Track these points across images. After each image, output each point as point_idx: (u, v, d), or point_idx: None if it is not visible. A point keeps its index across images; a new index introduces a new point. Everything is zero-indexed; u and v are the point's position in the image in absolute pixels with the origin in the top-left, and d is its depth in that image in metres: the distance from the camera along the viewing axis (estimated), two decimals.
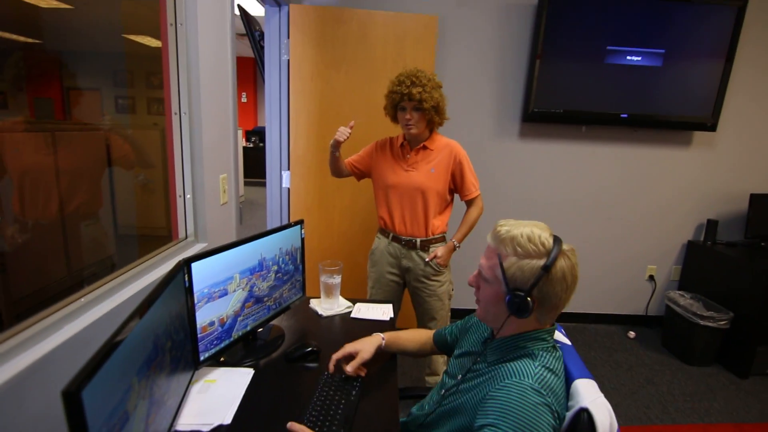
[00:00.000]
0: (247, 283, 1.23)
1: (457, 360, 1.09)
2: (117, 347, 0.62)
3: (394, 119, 1.92)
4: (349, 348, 1.18)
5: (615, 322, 3.19)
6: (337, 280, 1.58)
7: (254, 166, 7.62)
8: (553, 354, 0.90)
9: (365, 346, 1.18)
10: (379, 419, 1.01)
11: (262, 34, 2.60)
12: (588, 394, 0.85)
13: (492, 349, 0.95)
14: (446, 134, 2.80)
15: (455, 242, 1.92)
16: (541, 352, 0.88)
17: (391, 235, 1.96)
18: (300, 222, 1.46)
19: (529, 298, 0.83)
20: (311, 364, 1.23)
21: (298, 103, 2.55)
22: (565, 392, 0.88)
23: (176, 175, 1.43)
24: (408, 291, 2.08)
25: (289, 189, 2.68)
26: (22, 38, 2.11)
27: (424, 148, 1.88)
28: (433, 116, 1.79)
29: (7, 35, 1.97)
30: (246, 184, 7.66)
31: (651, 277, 3.13)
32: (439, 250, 1.90)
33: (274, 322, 1.47)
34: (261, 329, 1.40)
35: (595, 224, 3.02)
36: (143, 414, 0.72)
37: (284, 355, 1.27)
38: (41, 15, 1.95)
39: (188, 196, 1.45)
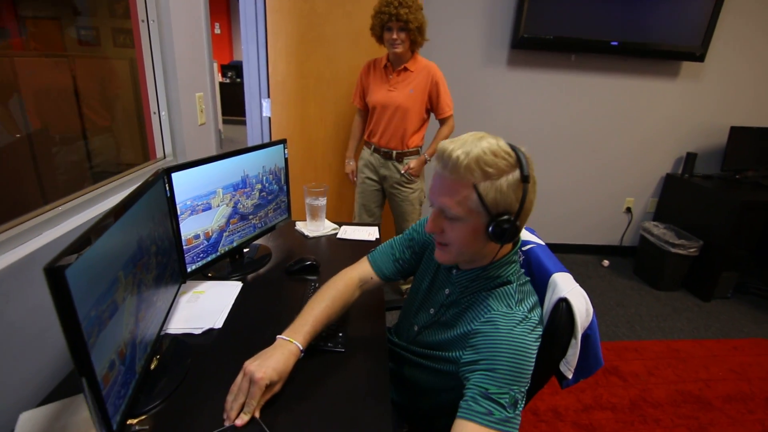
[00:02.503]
0: (230, 199, 1.21)
1: (423, 288, 0.99)
2: (100, 235, 0.61)
3: (380, 40, 2.03)
4: (266, 394, 0.79)
5: (591, 252, 3.32)
6: (322, 202, 1.57)
7: (232, 103, 7.28)
8: (518, 269, 0.88)
9: (281, 373, 0.80)
10: (368, 336, 1.02)
11: None
12: (565, 285, 0.87)
13: (463, 282, 0.88)
14: (434, 59, 2.72)
15: (426, 156, 2.17)
16: (514, 275, 0.86)
17: (373, 146, 2.20)
18: (282, 141, 1.42)
19: (518, 222, 0.75)
20: (311, 277, 1.26)
21: (276, 25, 2.39)
22: (544, 288, 0.92)
23: (149, 90, 1.35)
24: (386, 195, 2.34)
25: (270, 118, 2.59)
26: None
27: (405, 69, 2.04)
28: (416, 36, 1.94)
29: None
30: (224, 122, 7.37)
31: (628, 209, 3.22)
32: (412, 162, 2.15)
33: (260, 242, 1.47)
34: (248, 248, 1.40)
35: (579, 157, 3.04)
36: (132, 308, 0.72)
37: (285, 269, 1.28)
38: None
39: (163, 113, 1.38)
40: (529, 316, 0.80)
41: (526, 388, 0.74)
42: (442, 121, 2.16)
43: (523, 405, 0.73)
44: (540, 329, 0.80)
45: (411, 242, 1.04)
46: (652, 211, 3.23)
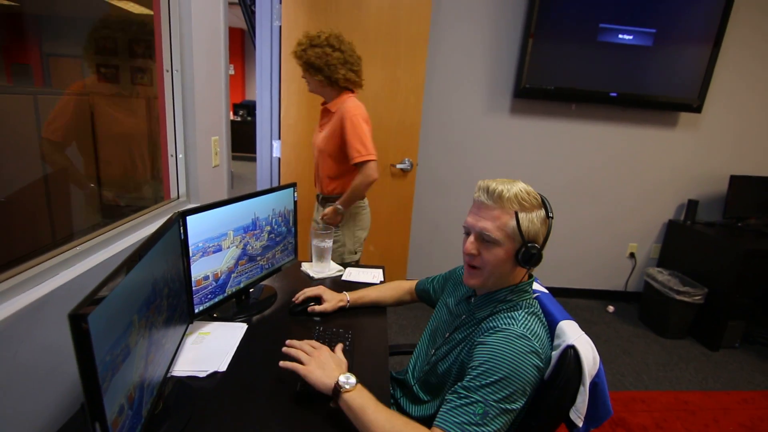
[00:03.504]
0: (240, 241, 1.25)
1: (441, 314, 1.13)
2: (121, 280, 0.64)
3: None
4: (318, 291, 1.31)
5: (595, 297, 3.30)
6: (328, 243, 1.60)
7: (242, 140, 7.49)
8: (532, 302, 0.95)
9: (332, 301, 1.29)
10: (371, 371, 1.04)
11: (254, 0, 2.54)
12: (572, 332, 0.90)
13: (478, 304, 0.99)
14: (441, 106, 2.82)
15: (338, 205, 1.87)
16: (525, 302, 0.94)
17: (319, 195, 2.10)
18: (293, 185, 1.47)
19: (537, 247, 0.90)
20: (316, 318, 1.27)
21: (289, 70, 2.52)
22: (549, 334, 0.94)
23: (168, 134, 1.42)
24: None
25: (279, 159, 2.67)
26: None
27: (327, 110, 1.92)
28: (313, 73, 1.78)
29: None
30: (234, 158, 7.54)
31: (632, 255, 3.22)
32: (328, 209, 1.89)
33: (265, 282, 1.49)
34: (253, 289, 1.42)
35: (581, 203, 3.09)
36: (143, 352, 0.74)
37: (288, 309, 1.30)
38: None
39: (180, 155, 1.45)
40: (530, 338, 0.84)
41: (509, 410, 0.78)
42: (357, 168, 1.81)
43: (499, 425, 0.77)
44: (537, 359, 0.83)
45: (445, 282, 1.24)
46: (656, 257, 3.24)
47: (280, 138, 2.63)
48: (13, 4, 1.95)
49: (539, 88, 2.73)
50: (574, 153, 2.98)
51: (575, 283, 3.26)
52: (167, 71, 1.37)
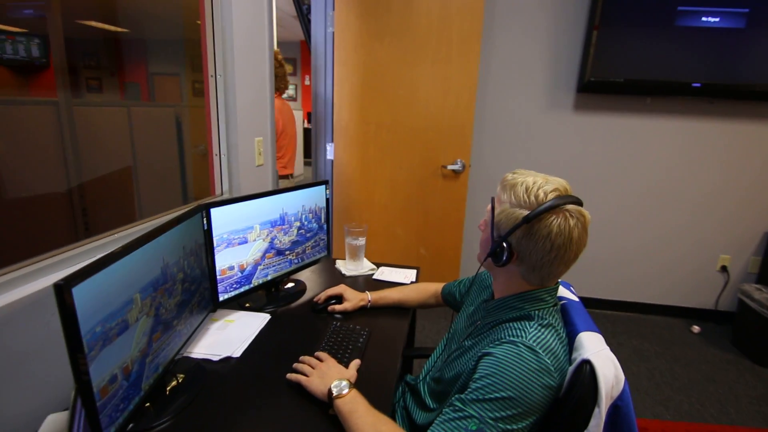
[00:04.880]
0: (267, 235, 1.29)
1: (460, 320, 1.07)
2: (114, 261, 0.69)
3: None
4: (339, 290, 1.32)
5: (678, 314, 2.92)
6: (361, 241, 1.60)
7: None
8: (549, 311, 0.85)
9: (353, 300, 1.29)
10: (378, 372, 1.02)
11: (309, 9, 2.65)
12: (592, 346, 0.80)
13: (490, 310, 0.92)
14: (496, 105, 2.73)
15: None
16: (539, 312, 0.84)
17: None
18: (325, 182, 1.50)
19: (505, 245, 0.81)
20: (338, 315, 1.28)
21: (341, 74, 2.59)
22: (568, 347, 0.84)
23: (213, 135, 1.53)
24: None
25: (332, 161, 2.75)
26: (112, 28, 2.37)
27: None
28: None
29: (100, 25, 2.22)
30: (306, 164, 7.91)
31: (723, 268, 2.81)
32: None
33: (298, 276, 1.53)
34: (293, 283, 1.47)
35: (661, 209, 2.76)
36: (146, 329, 0.79)
37: (310, 306, 1.32)
38: (126, 5, 2.15)
39: (223, 154, 1.54)
40: (539, 353, 0.75)
41: (510, 430, 0.71)
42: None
43: None
44: (548, 378, 0.74)
45: (471, 285, 1.18)
46: (755, 273, 2.79)
47: (333, 141, 2.70)
48: (125, 30, 2.25)
49: (606, 82, 2.50)
50: (650, 152, 2.68)
51: (654, 299, 2.92)
52: (212, 76, 1.47)
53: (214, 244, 1.12)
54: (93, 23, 2.27)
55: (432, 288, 1.32)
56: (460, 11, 2.42)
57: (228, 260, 1.18)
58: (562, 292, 0.99)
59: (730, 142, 2.61)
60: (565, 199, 0.81)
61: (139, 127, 2.01)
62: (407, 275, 1.58)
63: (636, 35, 2.41)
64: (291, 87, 7.65)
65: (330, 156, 2.75)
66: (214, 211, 1.11)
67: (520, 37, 2.62)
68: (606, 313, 2.93)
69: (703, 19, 2.32)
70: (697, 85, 2.42)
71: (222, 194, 1.59)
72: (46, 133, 1.50)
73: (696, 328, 2.77)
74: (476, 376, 0.77)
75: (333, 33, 2.54)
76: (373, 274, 1.59)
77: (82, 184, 1.55)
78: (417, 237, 2.78)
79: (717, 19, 2.31)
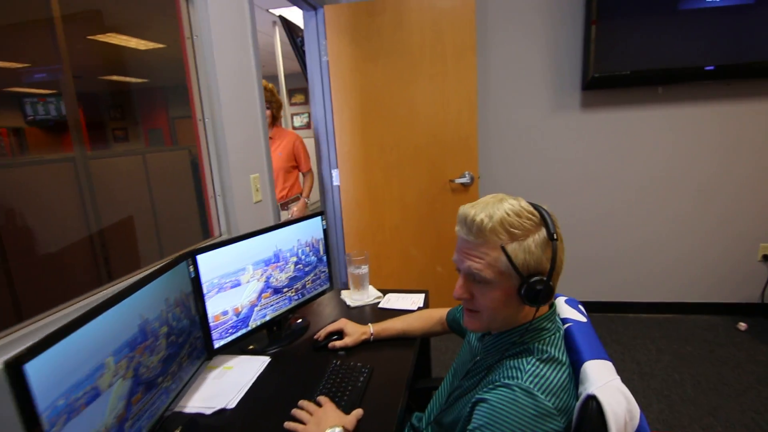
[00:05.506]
0: (262, 274, 1.27)
1: (465, 351, 1.00)
2: (76, 328, 0.67)
3: None
4: (339, 325, 1.27)
5: (721, 311, 2.71)
6: (364, 270, 1.56)
7: None
8: (551, 340, 0.77)
9: (354, 335, 1.23)
10: (380, 410, 0.97)
11: (303, 40, 2.69)
12: (598, 377, 0.71)
13: (488, 347, 0.85)
14: (500, 113, 2.68)
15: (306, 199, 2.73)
16: (539, 345, 0.77)
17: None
18: (320, 213, 1.47)
19: (551, 281, 0.73)
20: (340, 352, 1.23)
21: (339, 100, 2.59)
22: (574, 380, 0.76)
23: (206, 177, 1.53)
24: None
25: (339, 187, 2.73)
26: (135, 80, 2.48)
27: (270, 138, 2.43)
28: (278, 113, 2.61)
29: (121, 79, 2.34)
30: None
31: (765, 258, 2.60)
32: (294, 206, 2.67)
33: (303, 311, 1.50)
34: (300, 319, 1.43)
35: (684, 200, 2.60)
36: (123, 392, 0.76)
37: (312, 344, 1.28)
38: (144, 57, 2.24)
39: (218, 195, 1.55)
40: (537, 397, 0.67)
41: None
42: (305, 174, 2.77)
43: None
44: (551, 423, 0.67)
45: None
46: None
47: (337, 166, 2.69)
48: (144, 80, 2.36)
49: (612, 76, 2.40)
50: (667, 141, 2.54)
51: (692, 296, 2.72)
52: (200, 120, 1.49)
53: (204, 291, 1.11)
54: (115, 77, 2.38)
55: (437, 315, 1.25)
56: (452, 24, 2.39)
57: (221, 305, 1.16)
58: (568, 312, 0.91)
59: (756, 123, 2.44)
60: (534, 203, 0.79)
61: (155, 173, 2.08)
62: (414, 301, 1.52)
63: (637, 24, 2.32)
64: (305, 115, 7.80)
65: (336, 182, 2.74)
66: (201, 258, 1.09)
67: (517, 42, 2.56)
68: (641, 317, 2.75)
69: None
70: (711, 68, 2.29)
71: (221, 235, 1.59)
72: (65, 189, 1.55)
73: (742, 325, 2.56)
74: (471, 426, 0.70)
75: (327, 61, 2.56)
76: (379, 303, 1.54)
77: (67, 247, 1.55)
78: (432, 256, 2.72)
79: None
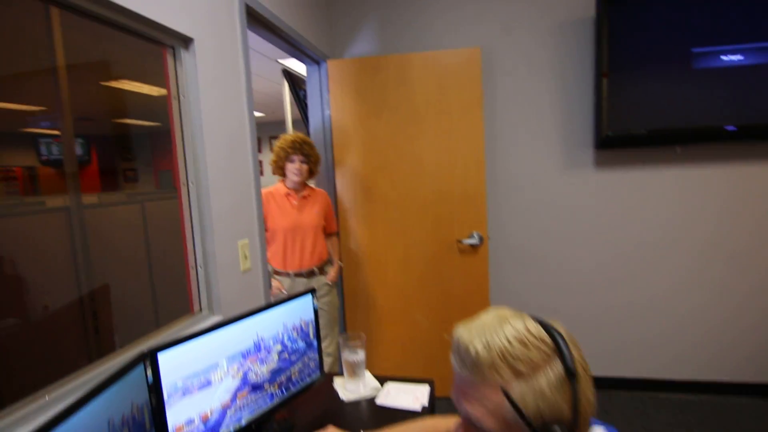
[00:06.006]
0: (238, 369, 1.08)
1: None
2: None
3: (280, 170, 2.26)
4: None
5: (762, 393, 2.44)
6: (360, 356, 1.36)
7: None
8: None
9: None
10: None
11: (306, 93, 2.63)
12: None
13: None
14: (509, 170, 2.55)
15: (340, 263, 2.46)
16: None
17: (291, 273, 2.21)
18: (311, 291, 1.30)
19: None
20: None
21: (341, 154, 2.49)
22: None
23: (187, 245, 1.38)
24: None
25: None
26: (146, 123, 2.44)
27: (306, 195, 2.26)
28: (314, 168, 2.26)
29: (136, 122, 2.35)
30: None
31: None
32: (332, 271, 2.35)
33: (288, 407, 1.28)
34: (266, 421, 1.22)
35: (712, 268, 2.40)
36: None
37: None
38: (156, 102, 2.21)
39: (200, 266, 1.38)
40: None
41: None
42: (331, 235, 2.42)
43: None
44: None
45: None
46: None
47: (338, 222, 2.55)
48: (158, 124, 2.33)
49: (627, 135, 2.29)
50: (690, 204, 2.38)
51: (734, 375, 2.44)
52: (183, 185, 1.35)
53: (165, 397, 0.91)
54: (128, 121, 2.37)
55: (442, 426, 1.04)
56: (457, 80, 2.32)
57: (185, 413, 0.96)
58: None
59: None
60: (545, 323, 0.59)
61: (153, 222, 1.98)
62: (418, 396, 1.31)
63: (653, 79, 2.23)
64: None
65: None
66: (162, 356, 0.91)
67: (526, 96, 2.48)
68: (672, 398, 2.47)
69: (723, 58, 2.12)
70: (732, 128, 2.17)
71: (200, 310, 1.41)
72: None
73: None
74: None
75: (330, 115, 2.48)
76: (376, 397, 1.32)
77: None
78: (438, 320, 2.51)
79: (740, 57, 2.10)
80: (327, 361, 2.25)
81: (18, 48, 1.40)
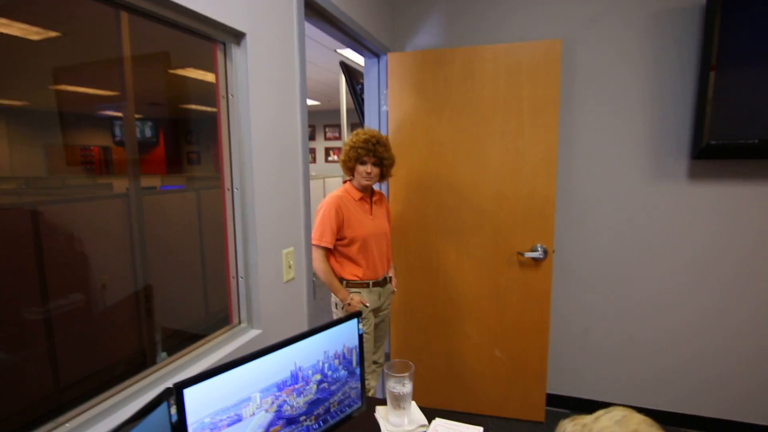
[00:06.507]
0: (272, 402, 0.98)
1: None
2: None
3: (350, 171, 2.00)
4: None
5: None
6: (408, 388, 1.23)
7: None
8: None
9: None
10: None
11: (363, 88, 2.50)
12: None
13: None
14: (584, 179, 2.31)
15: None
16: None
17: (370, 282, 1.99)
18: (357, 314, 1.18)
19: None
20: None
21: (396, 153, 2.33)
22: None
23: (229, 254, 1.31)
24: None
25: None
26: (209, 109, 2.51)
27: (378, 200, 2.08)
28: (387, 172, 2.02)
29: (199, 107, 2.42)
30: None
31: None
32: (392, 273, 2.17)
33: None
34: None
35: None
36: None
37: None
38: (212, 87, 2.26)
39: (241, 277, 1.31)
40: None
41: None
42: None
43: None
44: None
45: None
46: None
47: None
48: (215, 110, 2.44)
49: (733, 144, 1.94)
50: None
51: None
52: (228, 190, 1.28)
53: None
54: (193, 106, 2.45)
55: None
56: (532, 76, 2.08)
57: None
58: None
59: None
60: None
61: (206, 214, 1.98)
62: None
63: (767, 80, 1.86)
64: None
65: None
66: (188, 392, 0.83)
67: (611, 95, 2.18)
68: None
69: None
70: None
71: (239, 323, 1.34)
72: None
73: None
74: None
75: (387, 111, 2.34)
76: None
77: None
78: (491, 336, 2.32)
79: None
80: (376, 371, 2.12)
81: (90, 40, 1.47)
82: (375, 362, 2.10)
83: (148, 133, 2.49)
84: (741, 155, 1.98)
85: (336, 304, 1.99)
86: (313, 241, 1.83)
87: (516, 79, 2.10)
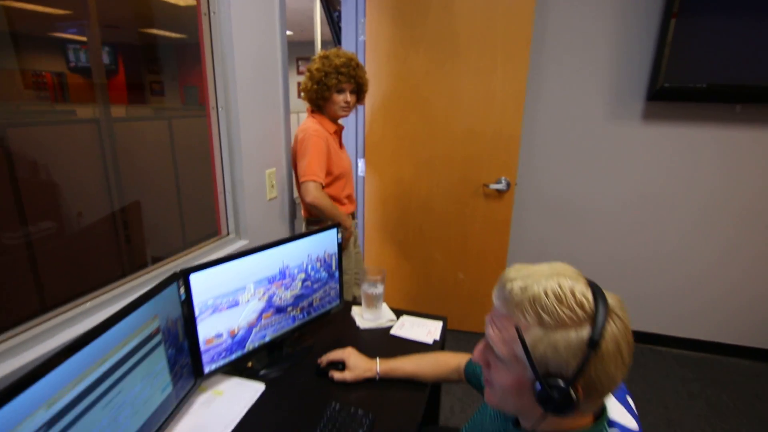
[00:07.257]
0: (264, 293, 1.14)
1: (481, 421, 0.84)
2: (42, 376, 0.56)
3: (322, 100, 1.70)
4: (343, 356, 1.15)
5: (766, 358, 2.46)
6: (379, 289, 1.42)
7: None
8: None
9: (356, 371, 1.12)
10: None
11: (340, 15, 2.48)
12: None
13: None
14: (549, 115, 2.43)
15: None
16: None
17: (352, 214, 1.92)
18: (335, 226, 1.32)
19: (573, 391, 0.56)
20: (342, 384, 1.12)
21: (373, 85, 2.38)
22: None
23: (216, 171, 1.40)
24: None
25: (363, 178, 2.57)
26: (172, 35, 2.38)
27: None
28: (361, 100, 1.83)
29: (162, 33, 2.28)
30: None
31: None
32: None
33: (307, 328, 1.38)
34: (289, 338, 1.32)
35: (753, 237, 2.32)
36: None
37: (315, 368, 1.17)
38: (183, 12, 2.13)
39: (228, 192, 1.42)
40: None
41: None
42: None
43: None
44: None
45: None
46: None
47: (364, 156, 2.53)
48: (184, 36, 2.26)
49: (684, 87, 2.11)
50: (743, 168, 2.24)
51: (737, 338, 2.48)
52: (213, 109, 1.34)
53: (196, 314, 0.99)
54: (154, 31, 2.31)
55: (454, 362, 1.10)
56: (506, 13, 2.13)
57: (215, 328, 1.04)
58: (617, 411, 0.75)
59: None
60: (601, 293, 0.59)
61: (180, 141, 1.98)
62: (431, 331, 1.37)
63: (724, 29, 2.00)
64: None
65: (361, 173, 2.58)
66: (194, 277, 0.97)
67: (579, 35, 2.27)
68: (674, 352, 2.53)
69: None
70: None
71: (227, 234, 1.47)
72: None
73: None
74: None
75: (364, 41, 2.36)
76: (391, 327, 1.40)
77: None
78: (455, 261, 2.55)
79: None
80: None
81: None
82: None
83: (105, 59, 2.37)
84: (692, 98, 2.16)
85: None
86: (309, 177, 1.58)
87: (492, 14, 2.15)
